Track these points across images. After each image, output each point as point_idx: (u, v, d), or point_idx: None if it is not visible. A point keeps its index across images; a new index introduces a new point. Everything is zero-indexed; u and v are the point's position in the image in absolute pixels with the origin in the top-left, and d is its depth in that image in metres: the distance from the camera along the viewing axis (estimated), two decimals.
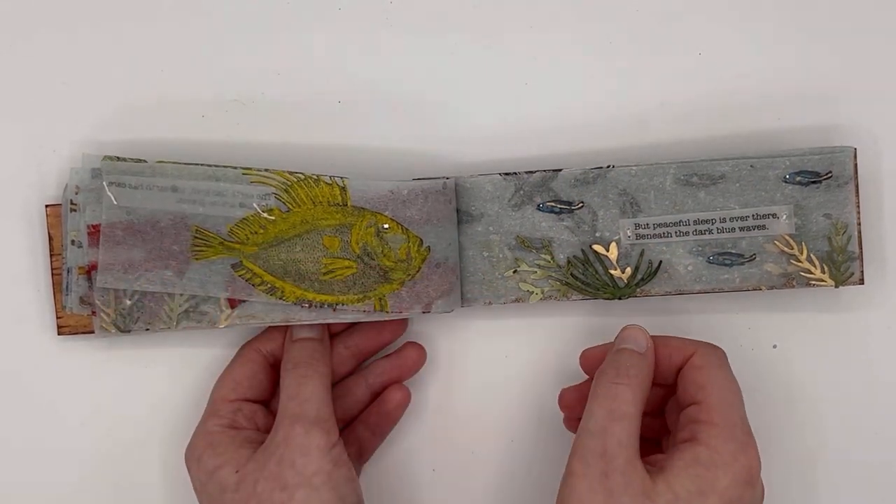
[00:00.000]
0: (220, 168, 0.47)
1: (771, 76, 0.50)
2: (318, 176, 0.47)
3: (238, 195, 0.47)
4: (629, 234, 0.48)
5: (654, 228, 0.47)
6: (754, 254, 0.47)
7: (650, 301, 0.50)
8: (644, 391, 0.43)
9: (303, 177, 0.47)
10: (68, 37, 0.50)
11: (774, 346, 0.51)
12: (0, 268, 0.50)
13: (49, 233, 0.49)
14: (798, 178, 0.47)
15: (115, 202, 0.46)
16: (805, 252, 0.47)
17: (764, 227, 0.47)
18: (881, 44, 0.50)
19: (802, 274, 0.47)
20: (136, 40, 0.50)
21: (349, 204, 0.47)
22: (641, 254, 0.48)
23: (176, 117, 0.50)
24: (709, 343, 0.45)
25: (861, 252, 0.47)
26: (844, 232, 0.46)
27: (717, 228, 0.47)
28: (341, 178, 0.47)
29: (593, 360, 0.47)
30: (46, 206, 0.49)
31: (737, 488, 0.41)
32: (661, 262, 0.48)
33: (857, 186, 0.47)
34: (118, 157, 0.47)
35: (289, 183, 0.47)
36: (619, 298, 0.48)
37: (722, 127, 0.50)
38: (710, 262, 0.47)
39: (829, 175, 0.46)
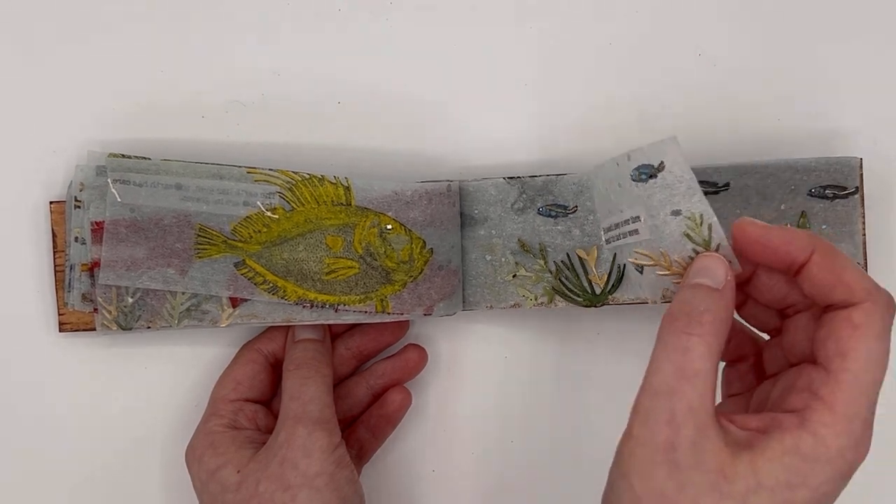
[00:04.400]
0: (225, 167, 0.47)
1: (771, 77, 0.50)
2: (322, 175, 0.47)
3: (242, 193, 0.47)
4: (603, 236, 0.46)
5: (616, 229, 0.43)
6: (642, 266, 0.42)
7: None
8: (721, 338, 0.36)
9: (307, 176, 0.47)
10: (70, 37, 0.50)
11: None
12: (3, 264, 0.50)
13: (52, 229, 0.49)
14: (814, 192, 0.46)
15: (119, 199, 0.46)
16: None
17: (636, 231, 0.41)
18: (882, 46, 0.50)
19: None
20: (136, 41, 0.50)
21: (353, 204, 0.47)
22: (613, 258, 0.46)
23: (176, 118, 0.50)
24: (885, 291, 0.36)
25: (865, 262, 0.47)
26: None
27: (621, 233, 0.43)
28: (345, 177, 0.47)
29: (749, 239, 0.38)
30: (50, 202, 0.49)
31: (832, 483, 0.35)
32: (623, 266, 0.45)
33: (862, 197, 0.47)
34: (123, 155, 0.47)
35: (293, 182, 0.47)
36: (595, 306, 0.47)
37: (722, 128, 0.50)
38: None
39: (848, 191, 0.46)
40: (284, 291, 0.47)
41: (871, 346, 0.35)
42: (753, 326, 0.41)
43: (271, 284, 0.47)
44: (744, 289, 0.40)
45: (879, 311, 0.35)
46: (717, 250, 0.38)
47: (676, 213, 0.38)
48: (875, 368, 0.35)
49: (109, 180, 0.46)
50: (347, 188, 0.47)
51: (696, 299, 0.36)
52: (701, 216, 0.38)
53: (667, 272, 0.39)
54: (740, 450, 0.35)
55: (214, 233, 0.47)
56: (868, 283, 0.35)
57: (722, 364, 0.42)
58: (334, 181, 0.47)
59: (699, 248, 0.38)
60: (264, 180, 0.47)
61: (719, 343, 0.36)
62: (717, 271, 0.37)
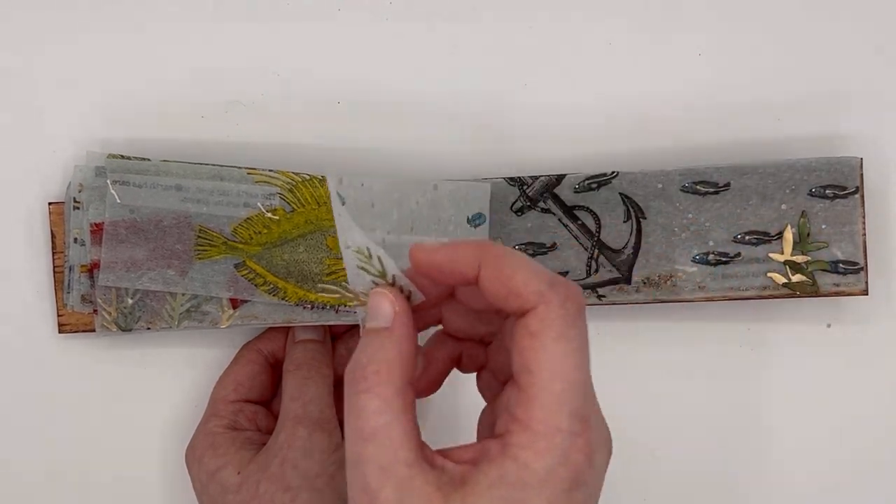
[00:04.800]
0: (225, 168, 0.47)
1: (770, 77, 0.50)
2: (323, 176, 0.47)
3: (242, 195, 0.47)
4: None
5: None
6: None
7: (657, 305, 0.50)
8: (397, 380, 0.33)
9: (308, 177, 0.47)
10: (69, 36, 0.50)
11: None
12: (2, 265, 0.50)
13: (51, 230, 0.49)
14: (814, 191, 0.46)
15: (118, 200, 0.46)
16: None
17: None
18: (883, 44, 0.50)
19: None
20: (135, 40, 0.50)
21: None
22: None
23: (175, 118, 0.50)
24: (561, 287, 0.33)
25: (865, 262, 0.47)
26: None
27: None
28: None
29: (421, 266, 0.35)
30: (49, 203, 0.49)
31: (556, 502, 0.32)
32: None
33: (863, 197, 0.47)
34: (122, 156, 0.47)
35: (293, 183, 0.47)
36: None
37: (722, 128, 0.50)
38: None
39: (848, 191, 0.46)
40: (285, 293, 0.47)
41: (554, 352, 0.32)
42: (474, 333, 0.38)
43: (272, 286, 0.47)
44: (454, 299, 0.37)
45: (555, 311, 0.32)
46: (394, 281, 0.36)
47: (347, 246, 0.36)
48: (567, 372, 0.32)
49: (109, 181, 0.46)
50: None
51: (361, 352, 0.34)
52: (368, 249, 0.36)
53: (360, 305, 0.37)
54: (454, 489, 0.32)
55: (215, 234, 0.47)
56: (538, 285, 0.32)
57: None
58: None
59: (378, 280, 0.36)
60: (264, 181, 0.47)
61: (396, 388, 0.33)
62: (381, 309, 0.35)
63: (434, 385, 0.39)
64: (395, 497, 0.32)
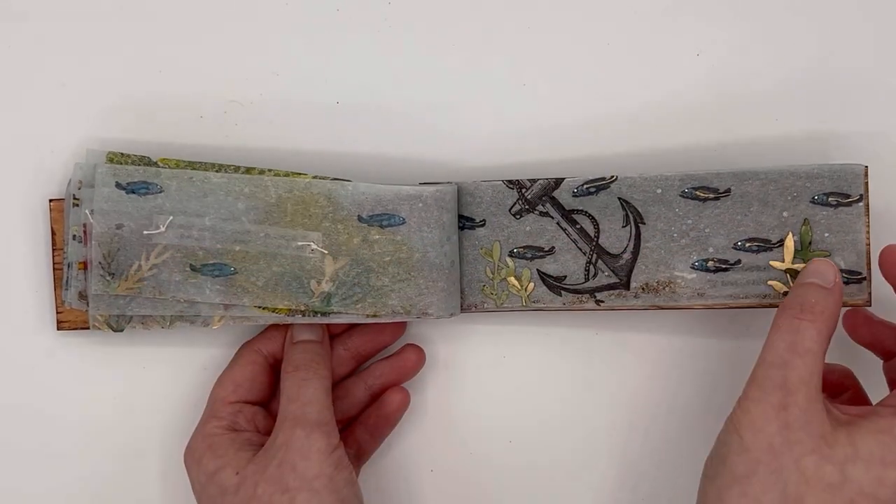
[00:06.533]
0: (224, 166, 0.47)
1: (770, 78, 0.49)
2: (321, 176, 0.47)
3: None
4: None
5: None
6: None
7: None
8: (829, 329, 0.41)
9: (303, 184, 0.47)
10: (69, 36, 0.49)
11: None
12: (2, 262, 0.50)
13: (52, 227, 0.49)
14: (816, 199, 0.45)
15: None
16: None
17: None
18: (884, 47, 0.49)
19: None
20: (135, 40, 0.50)
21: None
22: None
23: (174, 118, 0.50)
24: None
25: (869, 272, 0.46)
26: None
27: None
28: (344, 179, 0.47)
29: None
30: (50, 200, 0.49)
31: None
32: None
33: (867, 205, 0.46)
34: (122, 154, 0.47)
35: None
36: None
37: (720, 128, 0.50)
38: None
39: (852, 199, 0.45)
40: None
41: None
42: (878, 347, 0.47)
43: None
44: None
45: None
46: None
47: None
48: None
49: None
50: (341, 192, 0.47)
51: (808, 294, 0.42)
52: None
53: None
54: (839, 424, 0.40)
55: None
56: None
57: None
58: (328, 185, 0.47)
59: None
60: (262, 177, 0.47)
61: (829, 330, 0.41)
62: (827, 273, 0.43)
63: None
64: (803, 404, 0.40)
